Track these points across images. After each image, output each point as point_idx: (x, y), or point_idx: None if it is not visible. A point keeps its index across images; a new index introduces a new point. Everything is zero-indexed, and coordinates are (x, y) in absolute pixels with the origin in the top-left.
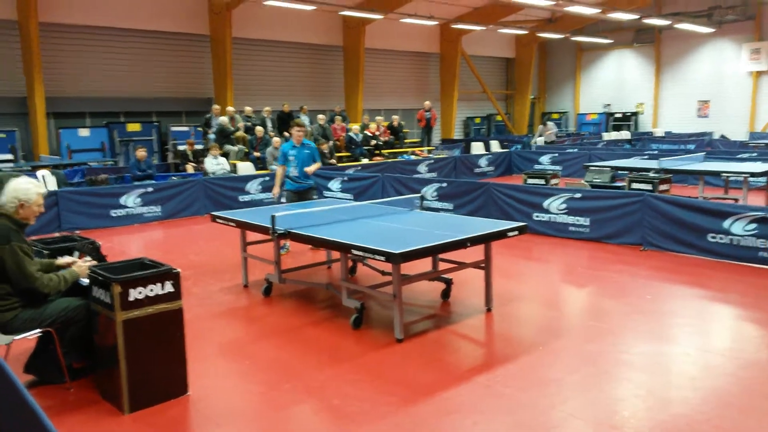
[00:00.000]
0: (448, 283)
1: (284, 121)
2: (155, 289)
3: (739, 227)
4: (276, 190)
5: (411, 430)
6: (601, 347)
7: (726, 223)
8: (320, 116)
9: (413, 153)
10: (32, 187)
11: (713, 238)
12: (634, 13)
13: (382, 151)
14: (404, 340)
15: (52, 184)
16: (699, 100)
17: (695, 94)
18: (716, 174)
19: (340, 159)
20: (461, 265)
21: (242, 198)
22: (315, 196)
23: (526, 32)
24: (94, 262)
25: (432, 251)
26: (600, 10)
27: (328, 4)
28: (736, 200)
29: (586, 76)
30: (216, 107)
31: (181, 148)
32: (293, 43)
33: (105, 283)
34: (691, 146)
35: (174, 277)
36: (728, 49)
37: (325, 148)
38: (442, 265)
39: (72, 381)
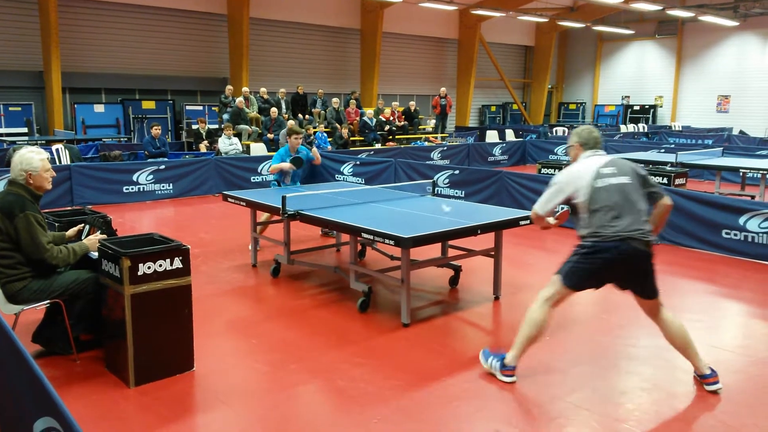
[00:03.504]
0: (457, 269)
1: (298, 103)
2: (164, 265)
3: (754, 224)
4: (285, 164)
5: (415, 415)
6: (608, 339)
7: (742, 220)
8: (335, 100)
9: (427, 139)
10: (34, 156)
11: (728, 234)
12: (657, 3)
13: (396, 136)
14: (411, 325)
15: (66, 159)
16: (719, 95)
17: (716, 89)
18: (734, 170)
19: (353, 143)
20: (471, 253)
21: (254, 179)
22: None
23: (546, 20)
24: (105, 236)
25: (442, 237)
26: (623, 0)
27: None
28: (753, 197)
29: (606, 67)
30: (229, 88)
31: (194, 127)
32: (310, 25)
33: (114, 256)
34: (709, 141)
35: (183, 253)
36: (752, 43)
37: (345, 132)
38: (452, 252)
39: (79, 353)
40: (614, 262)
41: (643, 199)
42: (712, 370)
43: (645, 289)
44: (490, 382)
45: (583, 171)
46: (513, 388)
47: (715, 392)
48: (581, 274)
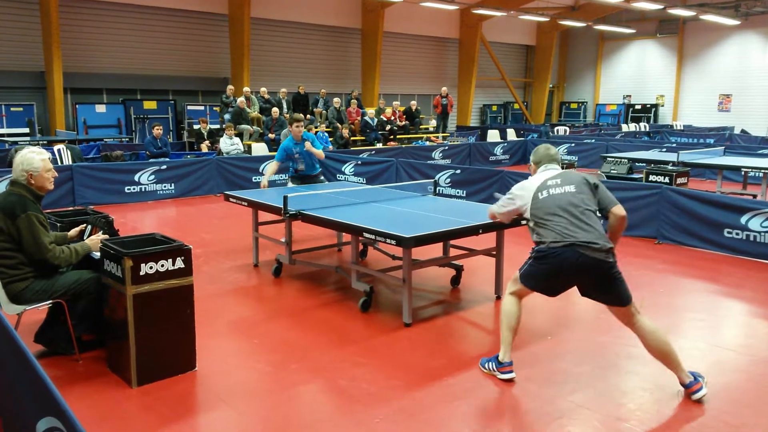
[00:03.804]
0: (459, 269)
1: (299, 103)
2: (166, 265)
3: (756, 223)
4: (264, 182)
5: (416, 415)
6: (610, 339)
7: (743, 219)
8: (336, 99)
9: (428, 139)
10: (35, 156)
11: (730, 233)
12: (658, 2)
13: (397, 136)
14: (412, 324)
15: (68, 159)
16: (721, 94)
17: (717, 88)
18: (735, 169)
19: (354, 143)
20: (472, 252)
21: (256, 179)
22: (323, 179)
23: (547, 19)
24: (106, 236)
25: (443, 237)
26: None
27: None
28: (755, 196)
29: (607, 66)
30: (230, 87)
31: (196, 127)
32: (311, 25)
33: (116, 256)
34: (711, 140)
35: (185, 253)
36: (754, 42)
37: (346, 132)
38: (453, 251)
39: (81, 353)
40: (560, 269)
41: (593, 208)
42: (695, 376)
43: (608, 298)
44: (492, 382)
45: (531, 184)
46: (514, 388)
47: (699, 401)
48: (533, 278)
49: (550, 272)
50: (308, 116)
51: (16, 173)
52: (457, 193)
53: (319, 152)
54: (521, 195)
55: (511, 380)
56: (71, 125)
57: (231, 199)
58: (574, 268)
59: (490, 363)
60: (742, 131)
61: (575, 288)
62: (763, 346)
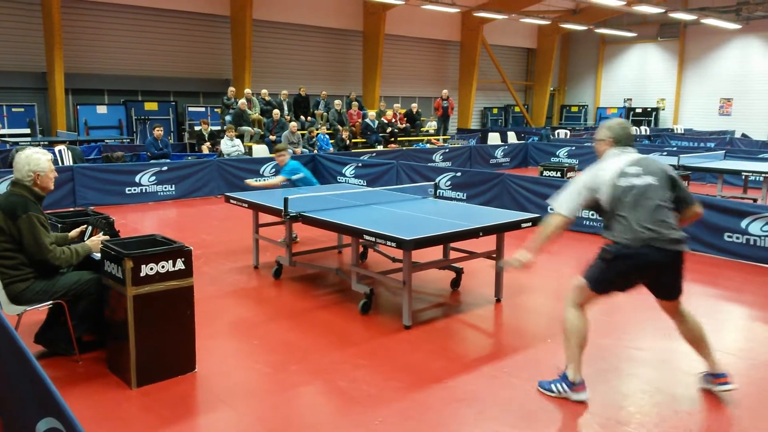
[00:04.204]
0: (459, 272)
1: (300, 105)
2: (167, 266)
3: (756, 227)
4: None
5: (416, 416)
6: (610, 342)
7: (744, 223)
8: (337, 101)
9: (429, 141)
10: (42, 156)
11: (730, 237)
12: (659, 6)
13: (398, 138)
14: (412, 327)
15: (69, 160)
16: (722, 98)
17: (718, 92)
18: (736, 173)
19: (355, 145)
20: (472, 255)
21: (256, 180)
22: None
23: (548, 22)
24: (107, 237)
25: (444, 239)
26: (625, 2)
27: None
28: (755, 200)
29: (608, 70)
30: (231, 89)
31: (197, 128)
32: (313, 27)
33: (117, 258)
34: (711, 144)
35: (186, 254)
36: (755, 46)
37: (346, 134)
38: (453, 254)
39: (81, 354)
40: (639, 269)
41: (669, 201)
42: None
43: (674, 291)
44: (492, 384)
45: (607, 169)
46: (514, 391)
47: (724, 394)
48: (606, 281)
49: (628, 271)
50: (309, 118)
51: (22, 173)
52: (458, 195)
53: (272, 182)
54: (593, 181)
55: (584, 402)
56: (72, 126)
57: (231, 201)
58: (653, 265)
59: (559, 385)
60: (743, 135)
61: None
62: (763, 350)
